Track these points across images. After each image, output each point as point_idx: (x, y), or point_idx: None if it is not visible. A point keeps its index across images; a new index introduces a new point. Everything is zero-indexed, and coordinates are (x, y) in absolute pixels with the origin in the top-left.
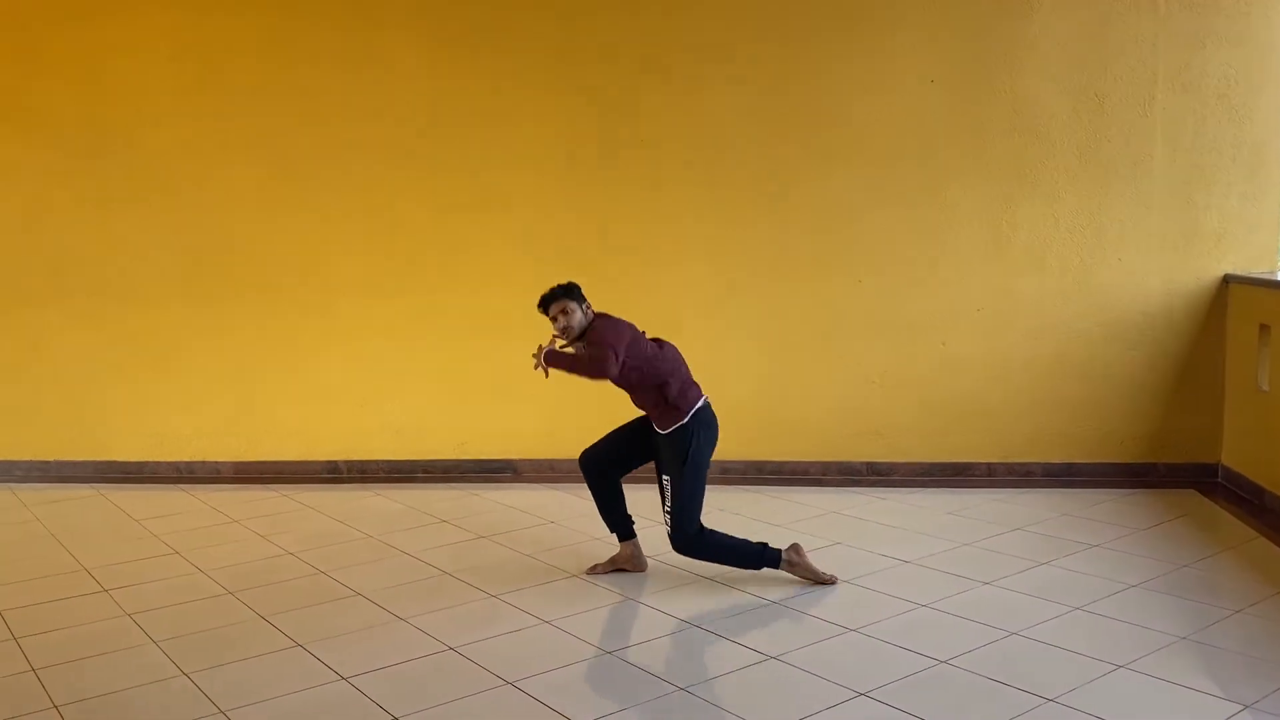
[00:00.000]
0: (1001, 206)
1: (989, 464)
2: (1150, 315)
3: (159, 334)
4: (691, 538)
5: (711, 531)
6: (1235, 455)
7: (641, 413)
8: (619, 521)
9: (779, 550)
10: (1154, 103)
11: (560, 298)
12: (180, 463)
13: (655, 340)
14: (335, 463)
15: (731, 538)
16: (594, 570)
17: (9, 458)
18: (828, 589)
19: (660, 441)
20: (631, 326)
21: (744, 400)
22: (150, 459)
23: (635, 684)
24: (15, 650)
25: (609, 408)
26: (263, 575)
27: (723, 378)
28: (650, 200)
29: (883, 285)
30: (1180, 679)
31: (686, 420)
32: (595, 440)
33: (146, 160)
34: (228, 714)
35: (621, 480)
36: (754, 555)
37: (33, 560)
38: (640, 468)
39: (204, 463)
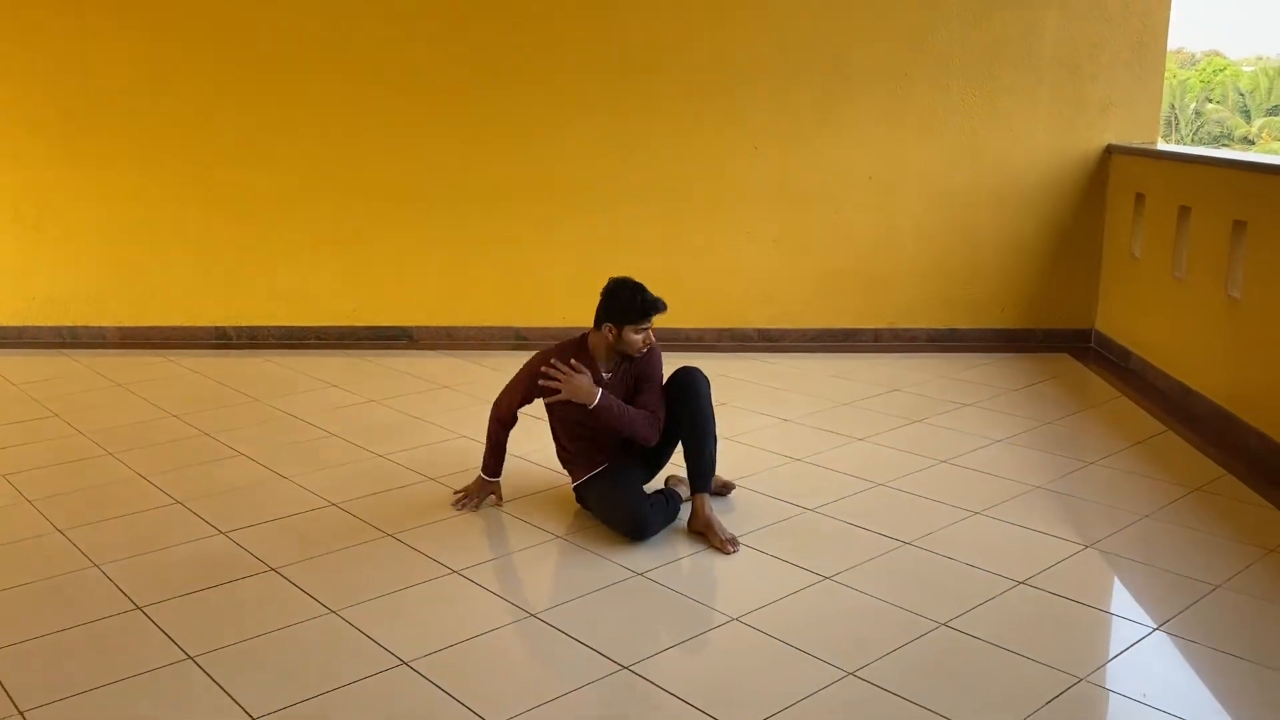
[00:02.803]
0: (895, 74)
1: (876, 330)
2: (1036, 184)
3: (33, 193)
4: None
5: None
6: (1107, 321)
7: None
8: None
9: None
10: None
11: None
12: (63, 327)
13: None
14: (224, 329)
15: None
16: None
17: None
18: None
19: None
20: None
21: (639, 268)
22: (30, 324)
23: (507, 531)
24: None
25: (513, 273)
26: (144, 437)
27: (618, 246)
28: (543, 75)
29: (776, 151)
30: (1032, 523)
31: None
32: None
33: (15, 11)
34: (102, 567)
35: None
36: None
37: None
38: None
39: (87, 328)
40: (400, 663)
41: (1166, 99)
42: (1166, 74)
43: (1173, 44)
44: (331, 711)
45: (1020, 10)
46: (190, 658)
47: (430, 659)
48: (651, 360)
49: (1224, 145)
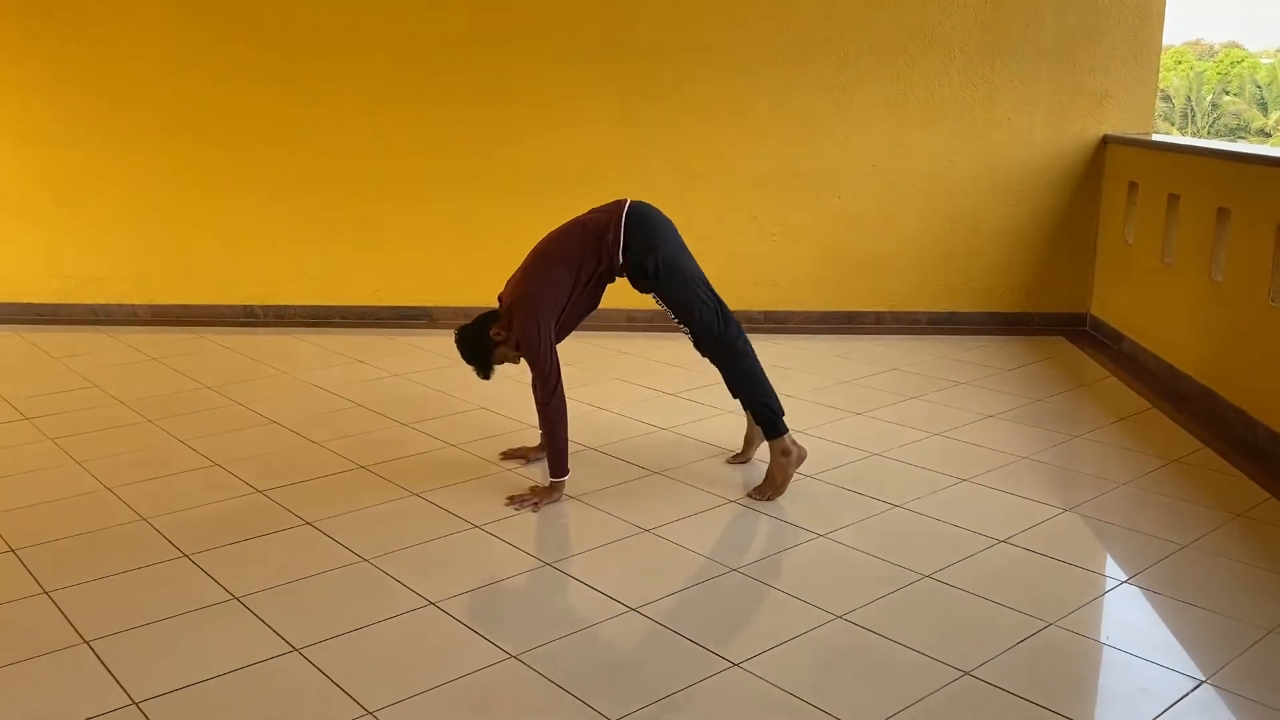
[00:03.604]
0: (899, 64)
1: (877, 312)
2: (1034, 173)
3: (70, 176)
4: (719, 337)
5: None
6: (1102, 305)
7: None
8: None
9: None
10: None
11: (486, 364)
12: (98, 305)
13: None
14: (252, 307)
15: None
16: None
17: None
18: (710, 417)
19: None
20: (547, 302)
21: None
22: (65, 301)
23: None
24: None
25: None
26: (180, 405)
27: None
28: (553, 62)
29: (783, 139)
30: (1015, 490)
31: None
32: None
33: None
34: (150, 520)
35: None
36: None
37: None
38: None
39: (121, 305)
40: (428, 603)
41: (1183, 91)
42: (1183, 66)
43: (1190, 35)
44: (365, 644)
45: (1020, 4)
46: (236, 598)
47: (455, 600)
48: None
49: (1240, 138)
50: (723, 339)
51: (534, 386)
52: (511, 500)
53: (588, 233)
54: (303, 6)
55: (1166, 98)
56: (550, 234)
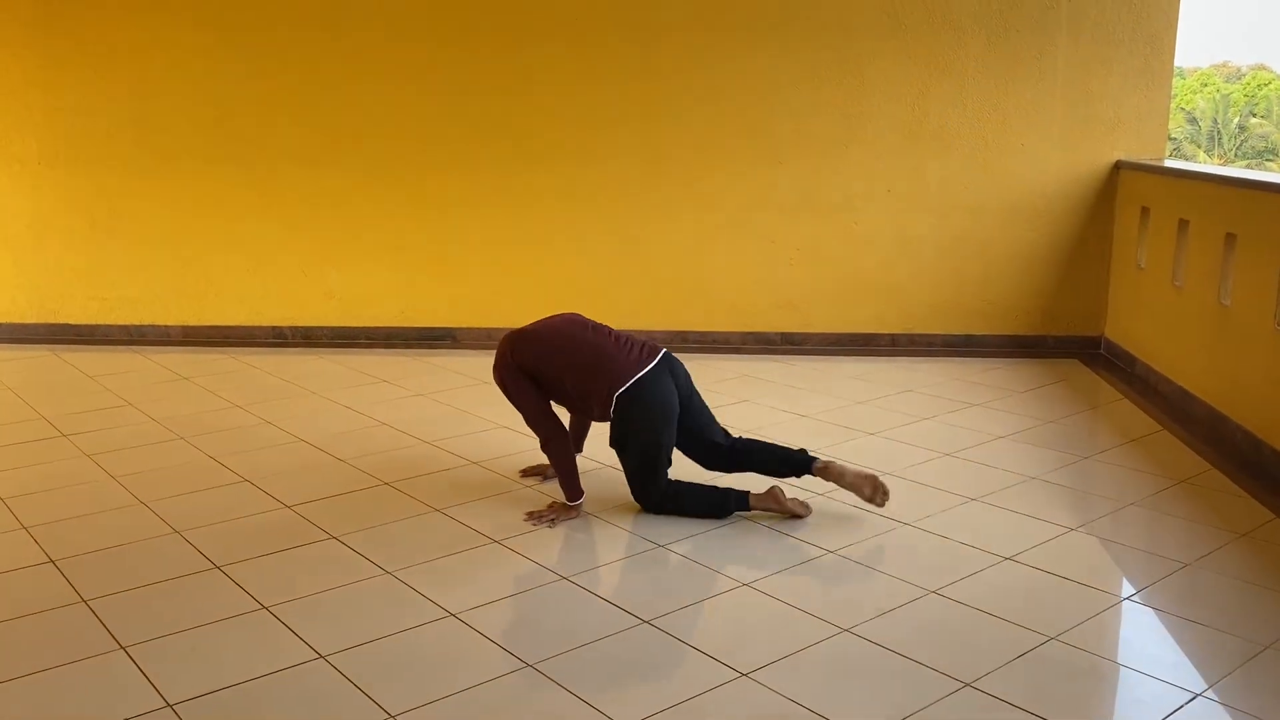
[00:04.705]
0: (914, 92)
1: (893, 335)
2: (1047, 198)
3: (107, 200)
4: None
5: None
6: (1116, 328)
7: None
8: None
9: (746, 492)
10: None
11: None
12: (130, 326)
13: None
14: (280, 328)
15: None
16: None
17: None
18: None
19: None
20: (507, 360)
21: (669, 274)
22: (101, 322)
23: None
24: None
25: (548, 277)
26: (211, 423)
27: (649, 252)
28: (575, 87)
29: (800, 166)
30: (1022, 509)
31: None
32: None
33: (93, 29)
34: (182, 534)
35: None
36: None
37: None
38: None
39: (154, 326)
40: (448, 614)
41: (1209, 114)
42: (1210, 88)
43: (1217, 57)
44: (387, 652)
45: (1034, 32)
46: (265, 607)
47: (475, 611)
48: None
49: (1267, 161)
50: (654, 506)
51: None
52: (530, 516)
53: (595, 371)
54: (332, 39)
55: (1193, 120)
56: (581, 336)
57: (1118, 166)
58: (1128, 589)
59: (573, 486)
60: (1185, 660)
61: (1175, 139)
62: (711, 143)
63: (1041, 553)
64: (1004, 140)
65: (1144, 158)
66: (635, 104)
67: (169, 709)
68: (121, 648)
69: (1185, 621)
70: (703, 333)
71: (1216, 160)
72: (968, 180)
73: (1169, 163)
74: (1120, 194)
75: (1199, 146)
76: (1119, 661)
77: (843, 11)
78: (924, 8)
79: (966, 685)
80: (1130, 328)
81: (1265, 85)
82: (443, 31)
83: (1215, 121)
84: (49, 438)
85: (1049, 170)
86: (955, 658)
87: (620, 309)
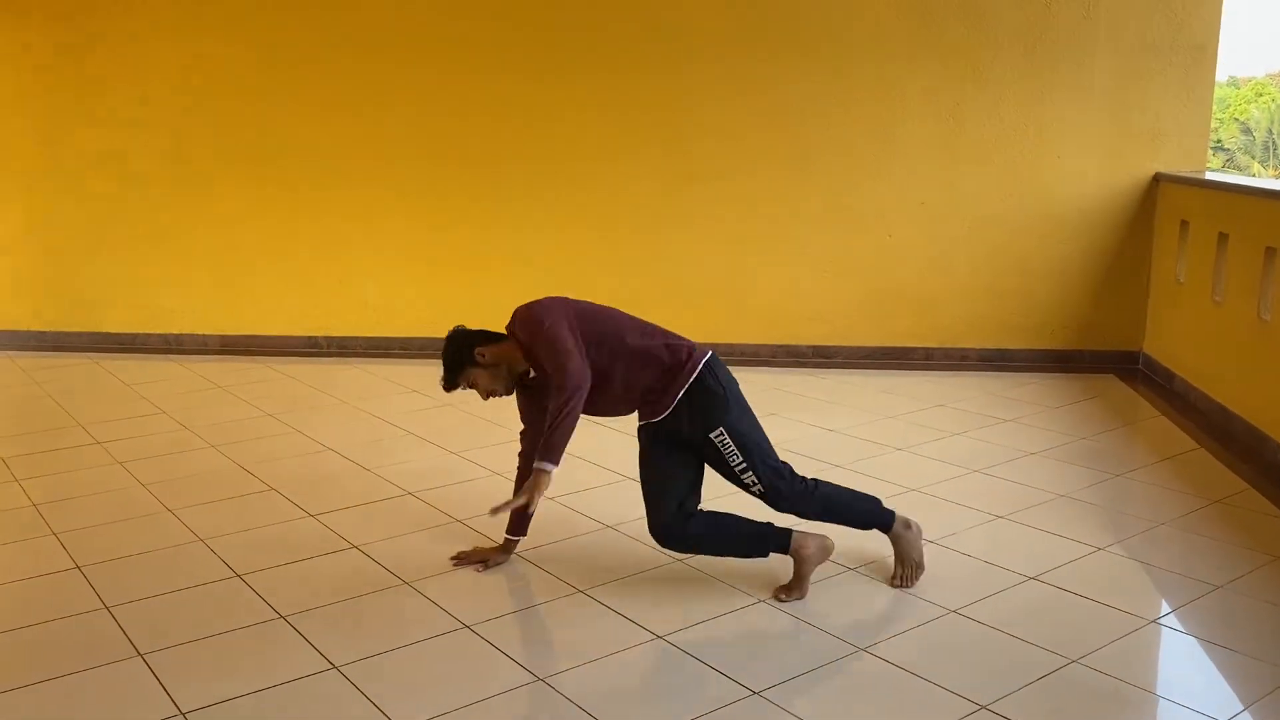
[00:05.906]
0: (949, 104)
1: (927, 349)
2: (1085, 211)
3: (150, 213)
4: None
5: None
6: (1154, 343)
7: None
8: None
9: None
10: (1098, 5)
11: (453, 376)
12: (170, 335)
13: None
14: (315, 338)
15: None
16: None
17: (6, 328)
18: None
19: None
20: (562, 304)
21: (700, 287)
22: (141, 331)
23: (568, 521)
24: (18, 491)
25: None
26: (243, 432)
27: (681, 266)
28: (601, 93)
29: (834, 178)
30: (1050, 527)
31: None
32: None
33: (138, 48)
34: (206, 542)
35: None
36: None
37: (31, 416)
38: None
39: (192, 335)
40: (463, 625)
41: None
42: (1265, 98)
43: (1272, 66)
44: (401, 663)
45: (1071, 43)
46: (282, 616)
47: (489, 623)
48: (535, 362)
49: None
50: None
51: (553, 396)
52: (458, 558)
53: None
54: (372, 61)
55: (1247, 130)
56: (630, 319)
57: (1157, 179)
58: (1156, 611)
59: (557, 451)
60: (1213, 686)
61: (1229, 150)
62: (745, 156)
63: (1067, 572)
64: (1040, 153)
65: (1185, 170)
66: (665, 121)
67: (182, 718)
68: (139, 654)
69: (1214, 646)
70: (733, 344)
71: (1271, 172)
72: (1004, 193)
73: (1209, 175)
74: (1160, 207)
75: (1253, 157)
76: (1143, 686)
77: (878, 27)
78: (962, 21)
79: (982, 708)
80: (1168, 343)
81: None
82: (479, 58)
83: (1270, 132)
84: (83, 444)
85: (1087, 183)
86: (972, 679)
87: (651, 321)
